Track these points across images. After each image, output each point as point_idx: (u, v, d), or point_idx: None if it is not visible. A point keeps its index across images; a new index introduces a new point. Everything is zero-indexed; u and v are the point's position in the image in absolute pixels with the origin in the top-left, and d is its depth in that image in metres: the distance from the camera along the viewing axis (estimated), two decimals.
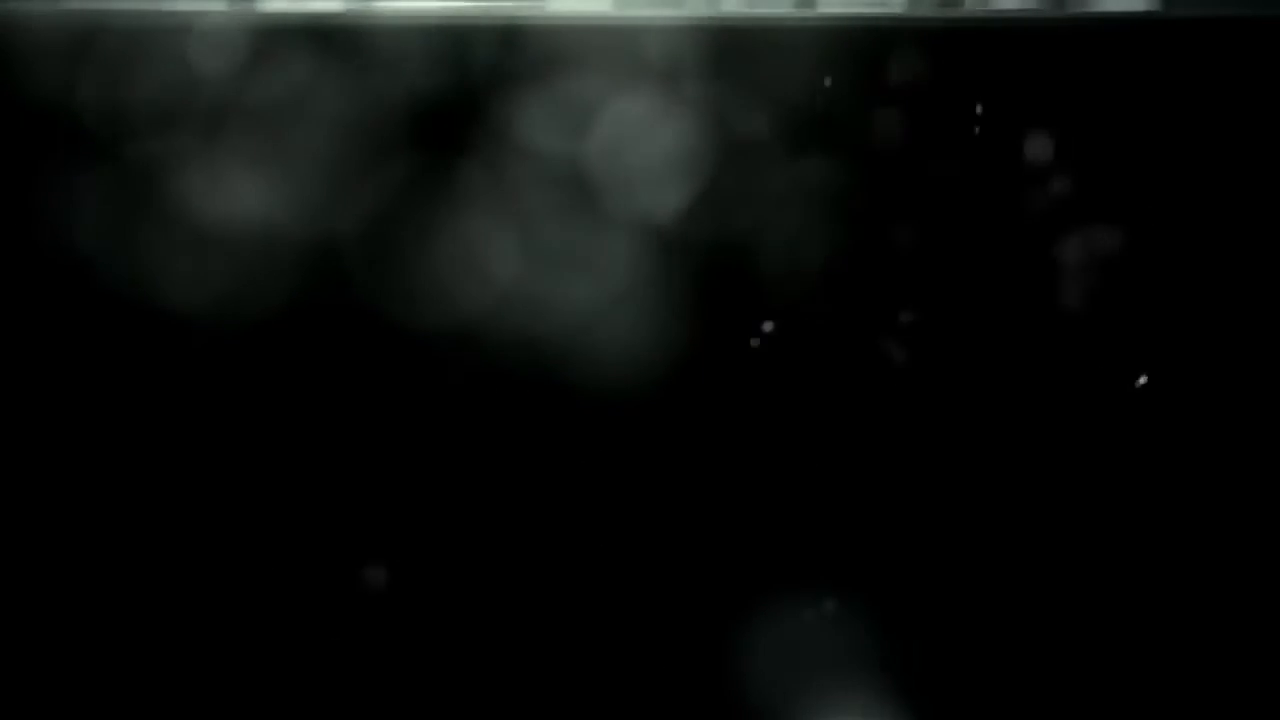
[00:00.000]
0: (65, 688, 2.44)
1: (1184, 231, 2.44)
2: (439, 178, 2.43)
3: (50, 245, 2.43)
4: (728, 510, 2.46)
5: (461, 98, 2.44)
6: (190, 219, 2.41)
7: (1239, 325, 2.43)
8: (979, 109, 2.46)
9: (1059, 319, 2.44)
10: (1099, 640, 2.45)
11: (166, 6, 2.48)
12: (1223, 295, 2.44)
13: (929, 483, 2.46)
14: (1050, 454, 2.45)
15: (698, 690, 2.45)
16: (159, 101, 2.43)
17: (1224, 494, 2.45)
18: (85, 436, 2.44)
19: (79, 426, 2.44)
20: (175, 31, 2.43)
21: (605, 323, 2.40)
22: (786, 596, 2.44)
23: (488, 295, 2.41)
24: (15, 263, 2.43)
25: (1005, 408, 2.45)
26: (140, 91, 2.43)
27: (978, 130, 2.46)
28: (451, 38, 2.45)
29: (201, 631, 2.45)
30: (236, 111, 2.43)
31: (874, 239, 2.45)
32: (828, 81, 2.42)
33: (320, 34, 2.43)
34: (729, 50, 2.44)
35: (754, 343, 2.13)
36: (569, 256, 2.40)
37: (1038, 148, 2.46)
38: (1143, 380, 2.35)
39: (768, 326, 2.11)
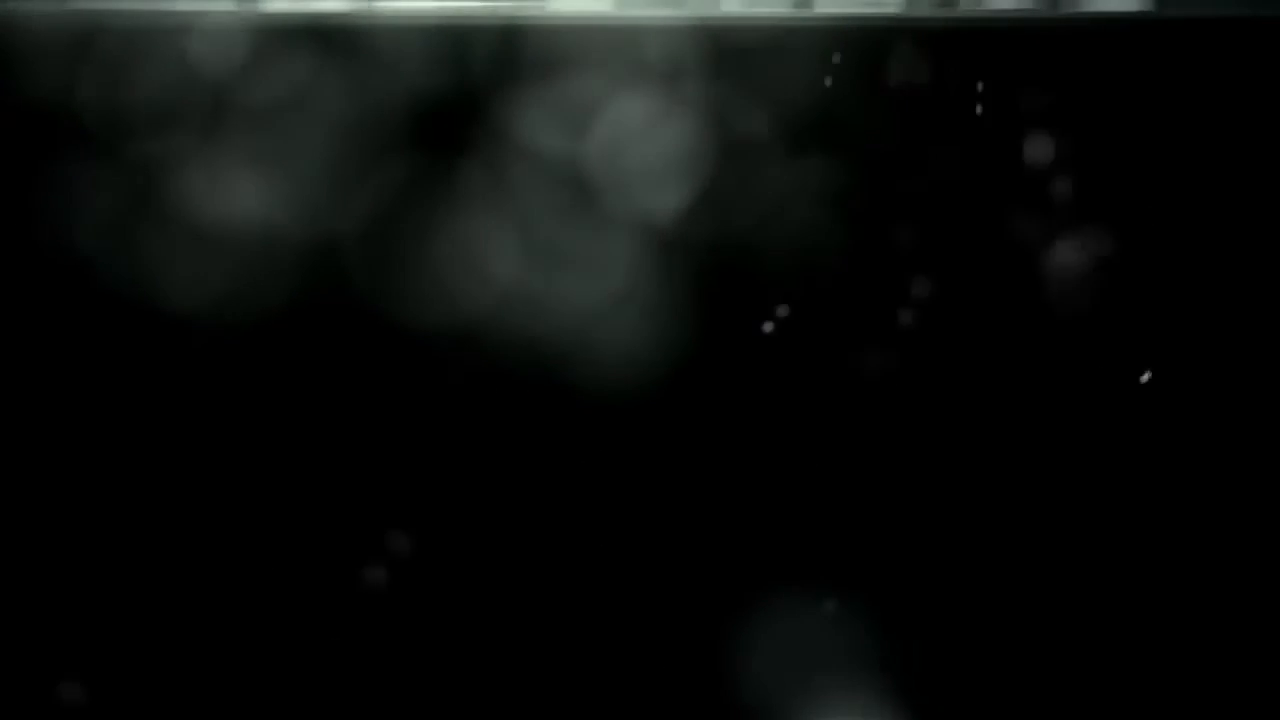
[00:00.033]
0: (64, 687, 2.44)
1: (1175, 224, 2.45)
2: (439, 177, 2.44)
3: (50, 244, 2.43)
4: (728, 510, 2.46)
5: (461, 98, 2.45)
6: (190, 218, 2.41)
7: (1229, 318, 2.43)
8: (977, 108, 2.46)
9: (1053, 316, 2.45)
10: (1097, 639, 2.46)
11: (166, 6, 2.48)
12: (1217, 290, 2.45)
13: (929, 483, 2.46)
14: (1048, 454, 2.46)
15: (700, 688, 2.45)
16: (159, 101, 2.43)
17: (1223, 492, 2.46)
18: (85, 434, 2.44)
19: (79, 423, 2.44)
20: (175, 31, 2.43)
21: (604, 321, 2.40)
22: (786, 595, 2.44)
23: (487, 294, 2.41)
24: (15, 262, 2.43)
25: (1001, 406, 2.46)
26: (140, 91, 2.43)
27: (975, 128, 2.46)
28: (451, 38, 2.45)
29: (201, 628, 2.45)
30: (237, 111, 2.43)
31: (873, 238, 2.45)
32: (827, 81, 2.43)
33: (320, 34, 2.43)
34: (729, 50, 2.45)
35: (777, 318, 2.13)
36: (568, 255, 2.41)
37: (1033, 145, 2.47)
38: (1138, 377, 2.35)
39: (783, 311, 2.11)
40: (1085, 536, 2.41)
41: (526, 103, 2.22)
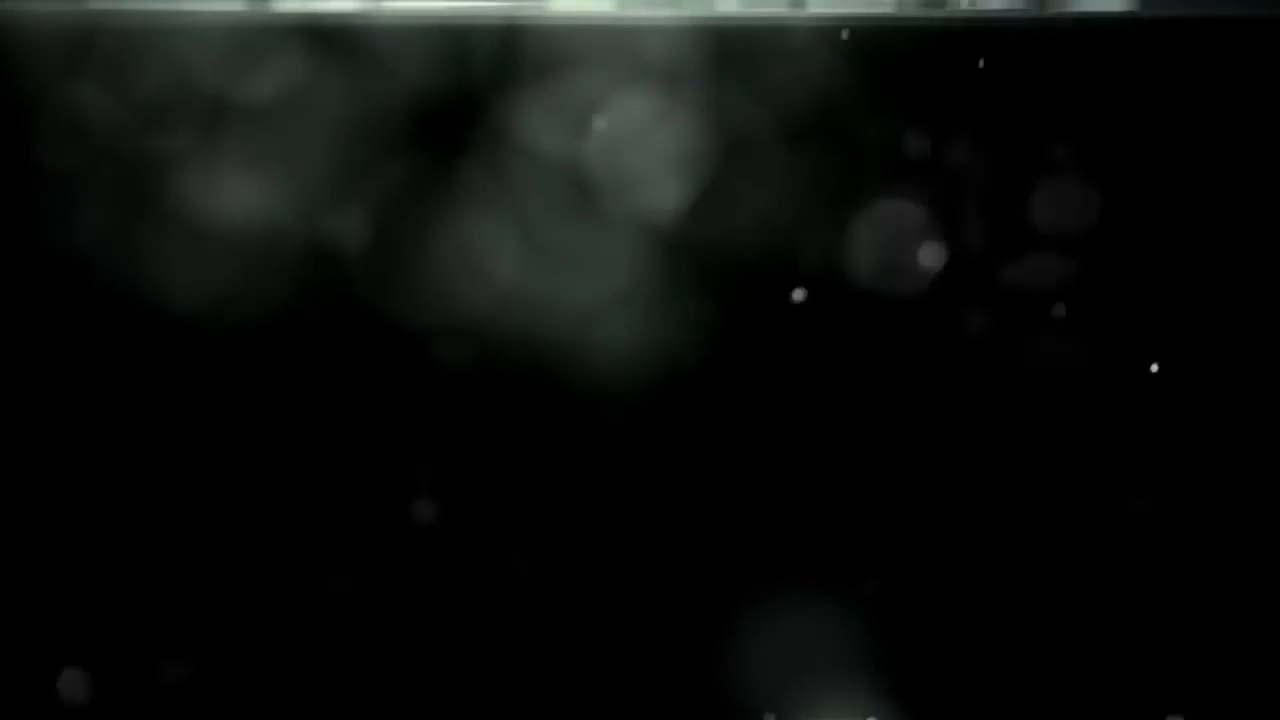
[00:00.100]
0: (65, 686, 2.44)
1: (1163, 223, 2.45)
2: (439, 178, 2.43)
3: (50, 244, 2.43)
4: (728, 509, 2.46)
5: (461, 98, 2.44)
6: (190, 218, 2.41)
7: (1221, 318, 2.43)
8: (975, 107, 2.46)
9: (1046, 315, 2.44)
10: (1096, 638, 2.45)
11: (166, 6, 2.48)
12: (1205, 289, 2.44)
13: (929, 483, 2.46)
14: (1046, 453, 2.45)
15: (702, 687, 2.45)
16: (159, 101, 2.43)
17: (1221, 492, 2.45)
18: (85, 435, 2.44)
19: (79, 424, 2.44)
20: (175, 31, 2.43)
21: (604, 321, 2.40)
22: (786, 594, 2.44)
23: (488, 294, 2.41)
24: (15, 262, 2.43)
25: (997, 406, 2.45)
26: (140, 91, 2.43)
27: (973, 128, 2.46)
28: (451, 38, 2.45)
29: (200, 629, 2.45)
30: (237, 111, 2.43)
31: (872, 237, 2.45)
32: (827, 81, 2.43)
33: (320, 34, 2.43)
34: (729, 50, 2.44)
35: (796, 298, 2.12)
36: (568, 255, 2.40)
37: (1026, 144, 2.46)
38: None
39: (799, 295, 2.11)
40: (1090, 537, 2.40)
41: (526, 102, 2.21)
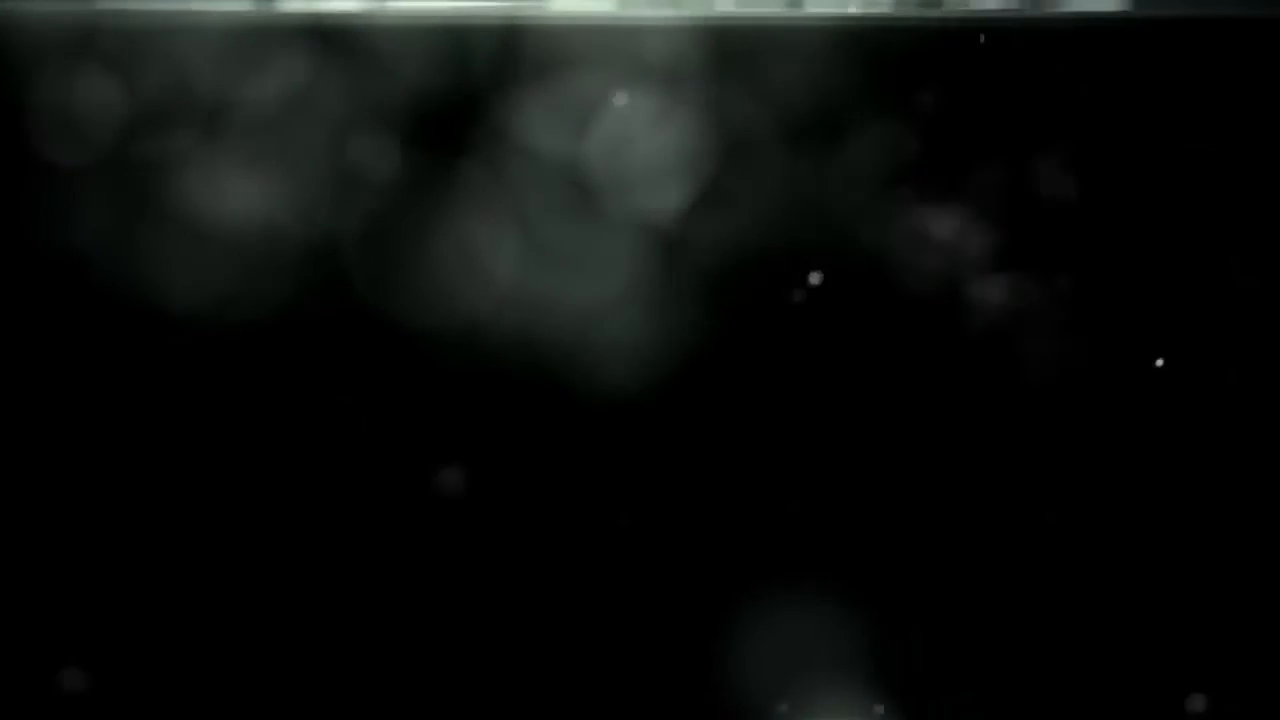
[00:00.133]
0: (64, 686, 2.44)
1: (1155, 225, 2.44)
2: (439, 178, 2.43)
3: (50, 245, 2.43)
4: (728, 510, 2.46)
5: (461, 98, 2.44)
6: (190, 219, 2.41)
7: (1213, 318, 2.43)
8: (973, 107, 2.46)
9: (1039, 316, 2.44)
10: (1094, 638, 2.45)
11: (166, 6, 2.47)
12: (1203, 289, 2.44)
13: (930, 483, 2.46)
14: (1046, 453, 2.45)
15: (702, 687, 2.45)
16: (159, 101, 2.43)
17: (1222, 492, 2.45)
18: (85, 437, 2.44)
19: (79, 427, 2.44)
20: (175, 31, 2.43)
21: (605, 323, 2.40)
22: (787, 594, 2.44)
23: (488, 295, 2.41)
24: (15, 262, 2.43)
25: (996, 405, 2.45)
26: (140, 91, 2.43)
27: (973, 128, 2.46)
28: (451, 38, 2.45)
29: (200, 632, 2.44)
30: (237, 111, 2.43)
31: (870, 236, 2.45)
32: (826, 81, 2.43)
33: (320, 34, 2.43)
34: (729, 50, 2.44)
35: (815, 280, 2.12)
36: (569, 256, 2.40)
37: (1025, 144, 2.46)
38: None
39: (816, 279, 2.11)
40: (1091, 537, 2.40)
41: (526, 102, 2.20)
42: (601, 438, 2.44)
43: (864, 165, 2.45)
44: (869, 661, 2.44)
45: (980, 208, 2.45)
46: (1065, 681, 2.46)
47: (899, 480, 2.46)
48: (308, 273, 2.42)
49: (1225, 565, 2.45)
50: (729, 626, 2.44)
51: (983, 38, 2.24)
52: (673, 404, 2.44)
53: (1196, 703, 2.41)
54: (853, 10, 2.51)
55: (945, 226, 2.45)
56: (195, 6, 2.49)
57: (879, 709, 2.42)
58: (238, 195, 2.41)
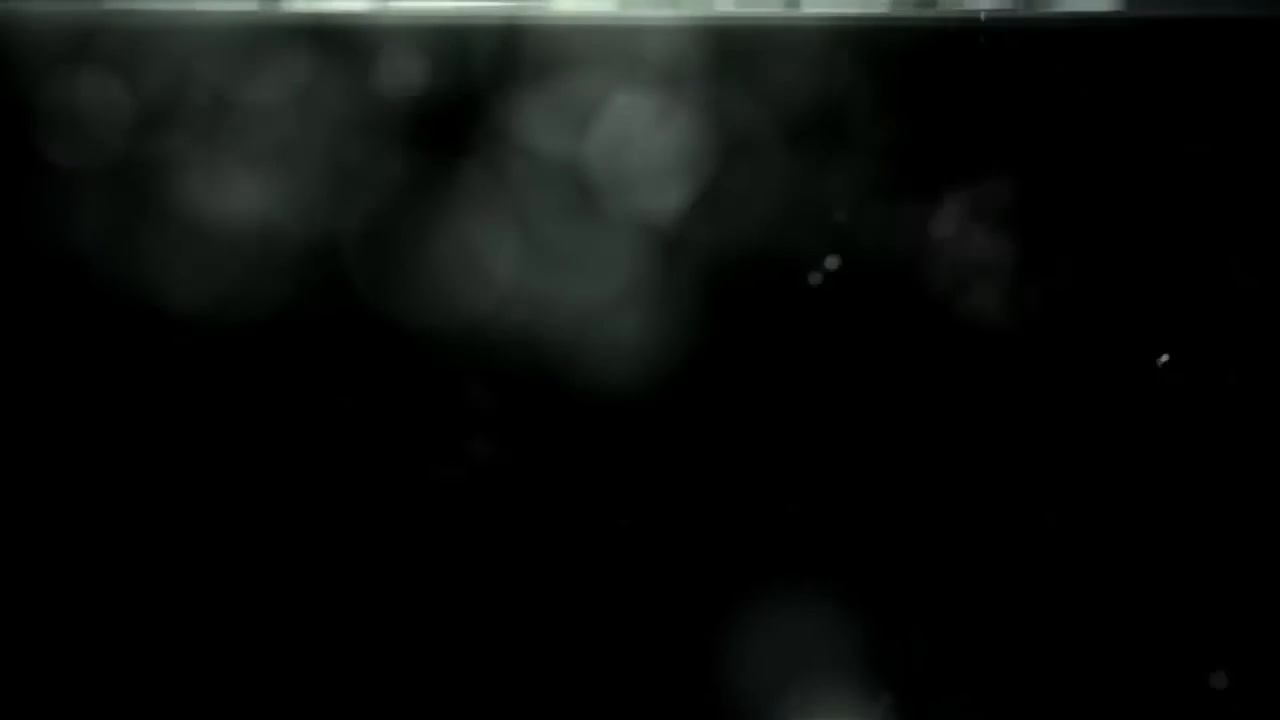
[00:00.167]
0: (64, 687, 2.44)
1: (1146, 226, 2.45)
2: (439, 178, 2.43)
3: (50, 245, 2.43)
4: (727, 509, 2.46)
5: (461, 98, 2.44)
6: (191, 219, 2.41)
7: (1211, 318, 2.43)
8: (972, 107, 2.46)
9: (1034, 317, 2.44)
10: (1093, 639, 2.45)
11: (166, 6, 2.48)
12: (1201, 289, 2.44)
13: (930, 483, 2.46)
14: (1046, 453, 2.45)
15: (705, 687, 2.45)
16: (159, 101, 2.43)
17: (1223, 491, 2.45)
18: (85, 437, 2.44)
19: (79, 427, 2.44)
20: (175, 31, 2.43)
21: (605, 323, 2.40)
22: (787, 594, 2.44)
23: (488, 295, 2.41)
24: (15, 262, 2.43)
25: (996, 405, 2.45)
26: (140, 91, 2.43)
27: (972, 128, 2.46)
28: (451, 38, 2.45)
29: (200, 632, 2.45)
30: (237, 111, 2.43)
31: (870, 236, 2.45)
32: (827, 81, 2.43)
33: (320, 34, 2.43)
34: (729, 50, 2.45)
35: (831, 264, 2.12)
36: (569, 256, 2.40)
37: (1024, 144, 2.46)
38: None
39: (832, 263, 2.11)
40: (1091, 537, 2.40)
41: (526, 102, 2.20)
42: (601, 437, 2.44)
43: (863, 165, 2.45)
44: (869, 661, 2.44)
45: (978, 208, 2.45)
46: (1065, 681, 2.46)
47: (899, 480, 2.46)
48: (308, 273, 2.42)
49: (1225, 565, 2.45)
50: (729, 626, 2.44)
51: (982, 39, 2.24)
52: (673, 404, 2.44)
53: (1196, 703, 2.41)
54: (852, 10, 2.51)
55: (943, 226, 2.45)
56: (196, 7, 2.49)
57: (879, 709, 2.42)
58: (238, 195, 2.41)
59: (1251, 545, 2.45)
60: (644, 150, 2.41)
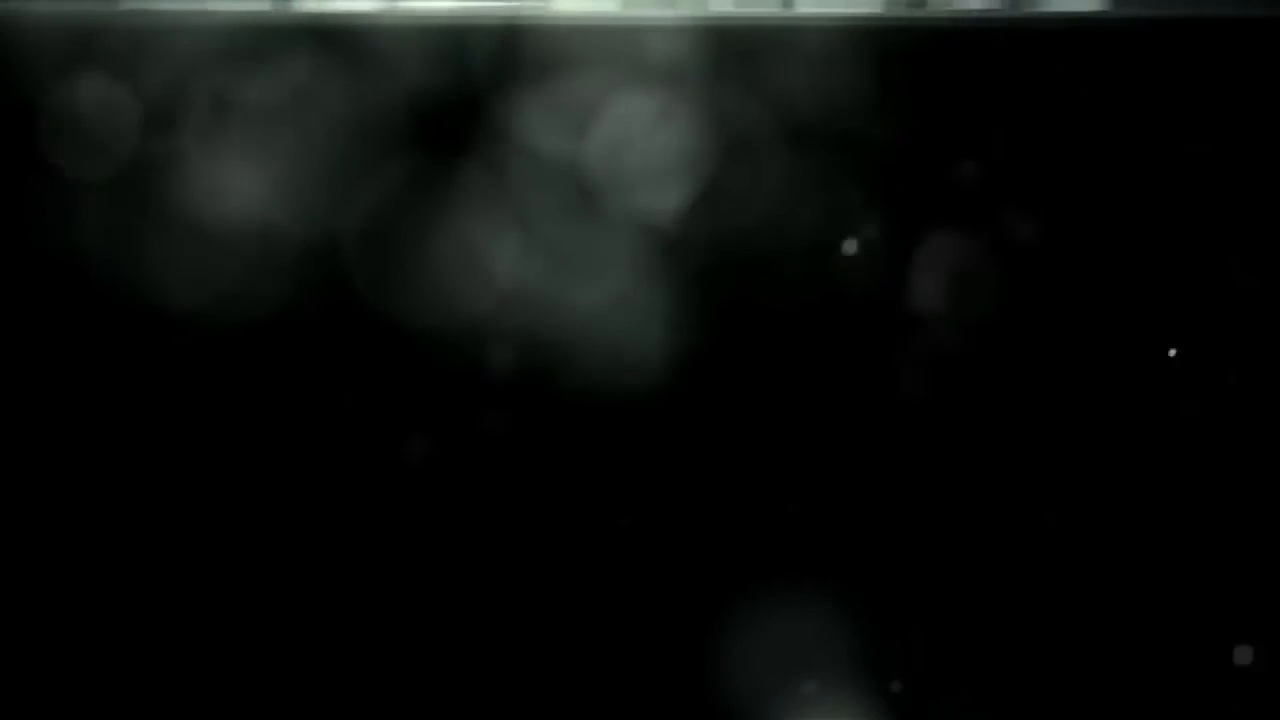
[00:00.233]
0: (64, 688, 2.44)
1: (1134, 223, 2.45)
2: (439, 178, 2.44)
3: (50, 244, 2.43)
4: (728, 509, 2.46)
5: (461, 98, 2.45)
6: (191, 218, 2.41)
7: (1209, 322, 2.44)
8: (973, 107, 2.46)
9: (1029, 318, 2.45)
10: (1092, 639, 2.46)
11: (168, 6, 2.48)
12: (1199, 289, 2.45)
13: (929, 483, 2.46)
14: (1046, 453, 2.46)
15: (705, 687, 2.45)
16: (161, 101, 2.43)
17: (1223, 491, 2.46)
18: (85, 435, 2.44)
19: (79, 425, 2.44)
20: (175, 31, 2.43)
21: (605, 321, 2.41)
22: (787, 594, 2.44)
23: (488, 294, 2.41)
24: (15, 262, 2.43)
25: (995, 405, 2.45)
26: (143, 91, 2.43)
27: (972, 129, 2.46)
28: (451, 38, 2.45)
29: (201, 631, 2.45)
30: (237, 111, 2.43)
31: (869, 237, 2.45)
32: (826, 81, 2.43)
33: (320, 34, 2.43)
34: (729, 50, 2.45)
35: (849, 250, 2.12)
36: (569, 255, 2.41)
37: (1022, 144, 2.47)
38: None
39: (851, 248, 2.11)
40: (1092, 537, 2.40)
41: (526, 102, 2.20)
42: (601, 437, 2.44)
43: (862, 164, 2.46)
44: (869, 661, 2.44)
45: (976, 207, 2.45)
46: (1065, 681, 2.46)
47: (898, 480, 2.46)
48: (308, 273, 2.42)
49: (1225, 566, 2.46)
50: (728, 626, 2.45)
51: (982, 39, 2.24)
52: (673, 404, 2.44)
53: (1195, 700, 2.42)
54: (848, 11, 2.51)
55: (941, 226, 2.45)
56: (196, 6, 2.50)
57: (878, 708, 2.42)
58: (239, 195, 2.41)
59: (1251, 545, 2.45)
60: (643, 149, 2.41)
